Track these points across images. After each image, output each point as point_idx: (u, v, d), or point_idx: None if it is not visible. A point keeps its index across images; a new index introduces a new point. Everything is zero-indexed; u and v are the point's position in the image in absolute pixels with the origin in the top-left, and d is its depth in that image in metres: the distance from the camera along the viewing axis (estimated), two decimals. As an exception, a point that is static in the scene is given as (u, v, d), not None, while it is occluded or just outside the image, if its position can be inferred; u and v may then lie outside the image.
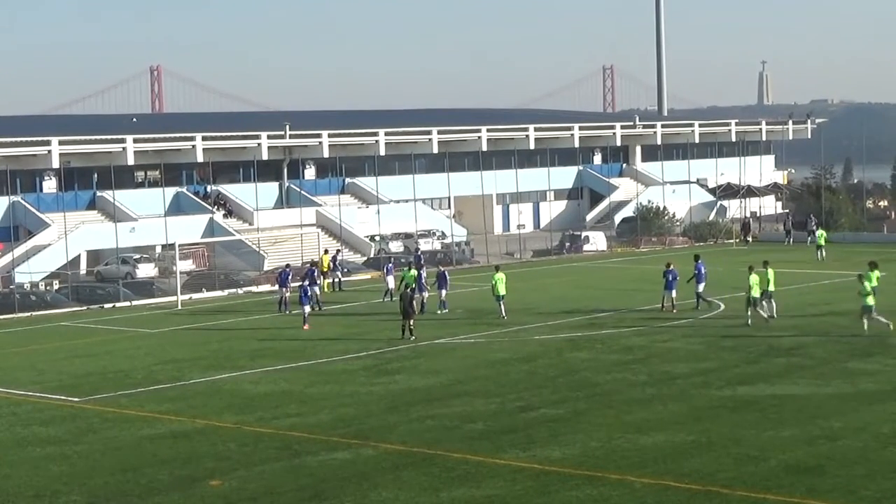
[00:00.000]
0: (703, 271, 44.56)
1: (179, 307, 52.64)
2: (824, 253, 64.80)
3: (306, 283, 46.32)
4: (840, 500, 19.74)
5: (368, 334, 40.90)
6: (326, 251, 58.67)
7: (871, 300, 36.86)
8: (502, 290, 43.35)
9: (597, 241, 79.97)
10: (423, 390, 30.57)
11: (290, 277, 50.10)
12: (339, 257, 60.83)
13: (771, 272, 41.18)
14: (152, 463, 23.88)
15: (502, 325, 41.75)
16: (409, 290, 41.37)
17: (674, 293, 43.71)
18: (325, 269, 55.75)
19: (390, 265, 53.84)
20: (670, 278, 43.65)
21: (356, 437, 25.32)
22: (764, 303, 40.52)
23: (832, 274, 55.50)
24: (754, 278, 39.77)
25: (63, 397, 31.54)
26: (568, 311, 44.37)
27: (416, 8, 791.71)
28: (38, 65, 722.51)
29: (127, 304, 54.71)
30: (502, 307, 43.32)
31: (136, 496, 21.63)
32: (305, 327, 42.98)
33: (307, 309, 44.00)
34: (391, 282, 51.02)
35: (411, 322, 39.32)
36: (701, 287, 44.30)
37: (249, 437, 25.93)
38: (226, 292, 57.43)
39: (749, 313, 39.52)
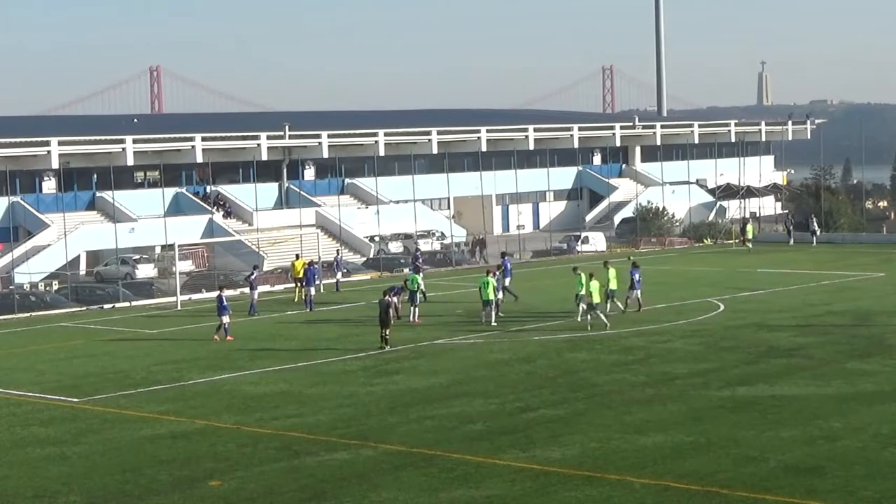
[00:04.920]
0: (508, 267, 49.64)
1: (179, 308, 52.62)
2: (750, 245, 71.12)
3: (224, 293, 42.63)
4: (839, 501, 19.75)
5: (367, 335, 40.83)
6: (298, 256, 55.66)
7: (597, 297, 40.27)
8: (492, 295, 42.73)
9: (596, 241, 79.98)
10: (423, 391, 30.56)
11: (255, 278, 50.08)
12: (339, 258, 60.77)
13: (613, 271, 43.48)
14: (152, 463, 23.88)
15: (502, 325, 41.72)
16: (385, 296, 38.50)
17: (638, 292, 44.20)
18: (298, 275, 52.00)
19: (497, 275, 45.45)
20: (636, 277, 44.03)
21: (356, 438, 25.32)
22: (612, 303, 42.78)
23: (832, 275, 55.52)
24: (595, 284, 40.75)
25: (62, 398, 31.53)
26: (567, 311, 44.30)
27: (415, 8, 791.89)
28: (37, 65, 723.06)
29: (126, 304, 54.66)
30: (492, 312, 42.33)
31: (135, 497, 21.62)
32: (216, 338, 40.91)
33: (225, 319, 41.18)
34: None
35: (387, 331, 37.55)
36: (507, 281, 47.86)
37: (249, 437, 25.93)
38: (207, 294, 56.59)
39: (589, 318, 40.51)
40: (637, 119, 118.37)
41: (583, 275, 41.51)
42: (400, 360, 35.61)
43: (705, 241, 79.98)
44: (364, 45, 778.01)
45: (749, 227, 73.83)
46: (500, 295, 44.54)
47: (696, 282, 54.64)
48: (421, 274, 51.66)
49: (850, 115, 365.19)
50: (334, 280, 57.38)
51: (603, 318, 40.50)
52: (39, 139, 77.87)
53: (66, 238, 71.66)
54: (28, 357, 39.37)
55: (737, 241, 77.80)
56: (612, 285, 43.24)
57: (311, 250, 61.44)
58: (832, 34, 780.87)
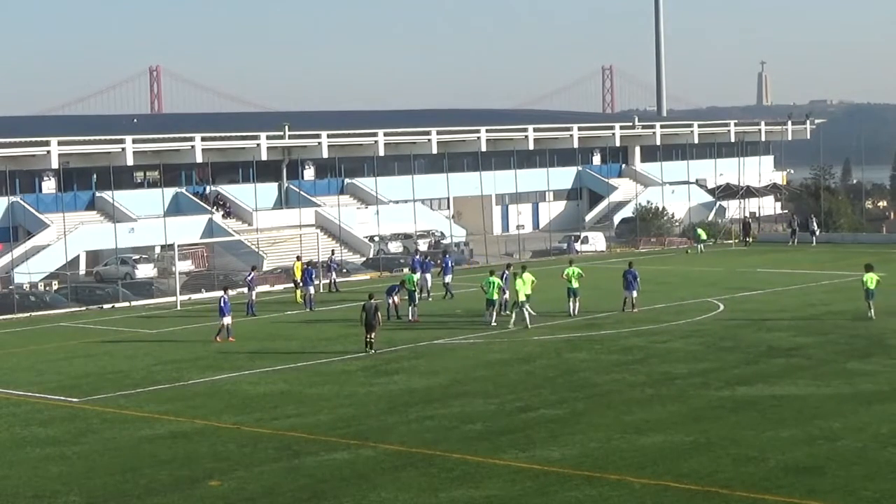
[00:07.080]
0: (450, 265, 51.60)
1: (178, 308, 52.62)
2: (702, 247, 71.42)
3: (225, 295, 42.13)
4: (839, 501, 19.74)
5: (367, 335, 40.84)
6: (298, 258, 55.21)
7: (521, 296, 40.92)
8: (496, 295, 42.68)
9: (596, 241, 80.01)
10: (422, 391, 30.55)
11: (252, 279, 50.07)
12: (333, 258, 60.63)
13: (575, 270, 44.38)
14: (151, 463, 23.86)
15: (501, 325, 41.70)
16: (371, 299, 37.21)
17: (635, 293, 44.19)
18: (298, 277, 52.00)
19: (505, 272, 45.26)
20: (630, 278, 44.08)
21: (355, 438, 25.31)
22: (525, 309, 41.72)
23: (832, 275, 55.53)
24: (521, 282, 41.25)
25: (62, 398, 31.52)
26: (566, 311, 44.31)
27: (415, 8, 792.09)
28: (37, 65, 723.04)
29: (126, 304, 54.66)
30: (493, 312, 42.37)
31: (135, 497, 21.61)
32: (218, 339, 40.60)
33: (226, 321, 40.93)
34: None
35: (373, 335, 36.92)
36: (448, 278, 50.03)
37: (249, 437, 25.92)
38: (207, 294, 56.51)
39: (513, 317, 41.23)
40: (637, 119, 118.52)
41: (527, 274, 41.71)
42: (400, 360, 35.60)
43: (714, 240, 79.95)
44: (364, 45, 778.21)
45: (701, 231, 74.23)
46: (507, 295, 44.70)
47: (696, 282, 54.64)
48: (429, 274, 51.76)
49: (850, 115, 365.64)
50: (329, 281, 57.12)
51: (515, 318, 40.99)
52: (39, 139, 77.93)
53: (66, 238, 71.70)
54: (28, 357, 39.36)
55: (736, 241, 77.86)
56: (574, 284, 43.75)
57: (310, 250, 61.42)
58: (832, 34, 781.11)
